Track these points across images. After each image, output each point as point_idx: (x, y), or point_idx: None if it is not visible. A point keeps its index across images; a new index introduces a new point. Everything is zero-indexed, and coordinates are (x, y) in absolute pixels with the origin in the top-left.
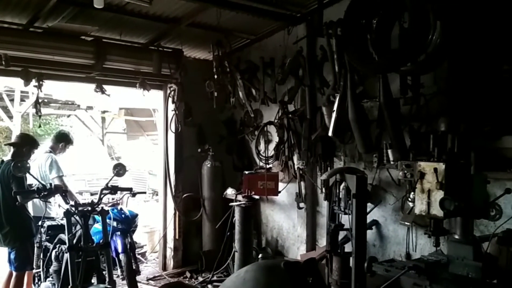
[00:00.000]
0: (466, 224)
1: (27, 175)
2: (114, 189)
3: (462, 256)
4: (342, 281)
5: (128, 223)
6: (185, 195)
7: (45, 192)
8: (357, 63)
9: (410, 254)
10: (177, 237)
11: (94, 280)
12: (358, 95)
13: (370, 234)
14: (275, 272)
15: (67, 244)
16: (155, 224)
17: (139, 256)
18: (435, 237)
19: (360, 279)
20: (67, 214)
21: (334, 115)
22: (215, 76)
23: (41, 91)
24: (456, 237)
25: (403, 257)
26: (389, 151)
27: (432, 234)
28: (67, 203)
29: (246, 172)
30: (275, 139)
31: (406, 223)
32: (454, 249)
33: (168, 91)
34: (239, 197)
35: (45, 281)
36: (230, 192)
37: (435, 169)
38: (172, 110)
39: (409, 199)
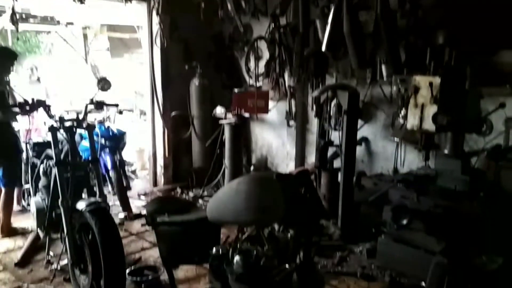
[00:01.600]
0: (457, 139)
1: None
2: (99, 104)
3: (450, 170)
4: (330, 195)
5: (116, 140)
6: (173, 113)
7: (27, 107)
8: None
9: (398, 170)
10: (167, 155)
11: (85, 196)
12: (354, 6)
13: (359, 150)
14: (268, 183)
15: (54, 159)
16: (144, 144)
17: (129, 173)
18: (425, 151)
19: (348, 193)
20: (52, 129)
21: (328, 28)
22: None
23: (16, 0)
24: (446, 152)
25: (391, 172)
26: (383, 67)
27: (423, 148)
28: (51, 117)
29: (236, 90)
30: (266, 55)
31: (395, 138)
32: (443, 163)
33: (152, 3)
34: (229, 116)
35: (35, 195)
36: (219, 110)
37: (431, 83)
38: (157, 24)
39: (400, 115)
